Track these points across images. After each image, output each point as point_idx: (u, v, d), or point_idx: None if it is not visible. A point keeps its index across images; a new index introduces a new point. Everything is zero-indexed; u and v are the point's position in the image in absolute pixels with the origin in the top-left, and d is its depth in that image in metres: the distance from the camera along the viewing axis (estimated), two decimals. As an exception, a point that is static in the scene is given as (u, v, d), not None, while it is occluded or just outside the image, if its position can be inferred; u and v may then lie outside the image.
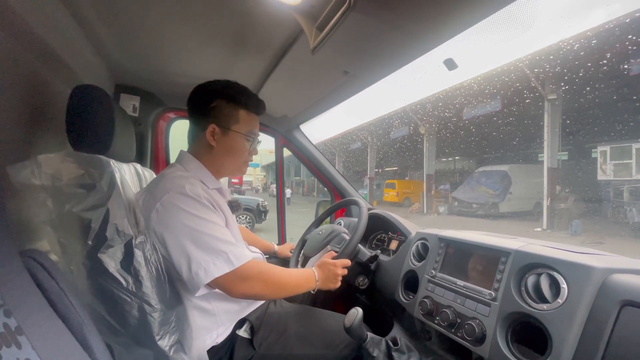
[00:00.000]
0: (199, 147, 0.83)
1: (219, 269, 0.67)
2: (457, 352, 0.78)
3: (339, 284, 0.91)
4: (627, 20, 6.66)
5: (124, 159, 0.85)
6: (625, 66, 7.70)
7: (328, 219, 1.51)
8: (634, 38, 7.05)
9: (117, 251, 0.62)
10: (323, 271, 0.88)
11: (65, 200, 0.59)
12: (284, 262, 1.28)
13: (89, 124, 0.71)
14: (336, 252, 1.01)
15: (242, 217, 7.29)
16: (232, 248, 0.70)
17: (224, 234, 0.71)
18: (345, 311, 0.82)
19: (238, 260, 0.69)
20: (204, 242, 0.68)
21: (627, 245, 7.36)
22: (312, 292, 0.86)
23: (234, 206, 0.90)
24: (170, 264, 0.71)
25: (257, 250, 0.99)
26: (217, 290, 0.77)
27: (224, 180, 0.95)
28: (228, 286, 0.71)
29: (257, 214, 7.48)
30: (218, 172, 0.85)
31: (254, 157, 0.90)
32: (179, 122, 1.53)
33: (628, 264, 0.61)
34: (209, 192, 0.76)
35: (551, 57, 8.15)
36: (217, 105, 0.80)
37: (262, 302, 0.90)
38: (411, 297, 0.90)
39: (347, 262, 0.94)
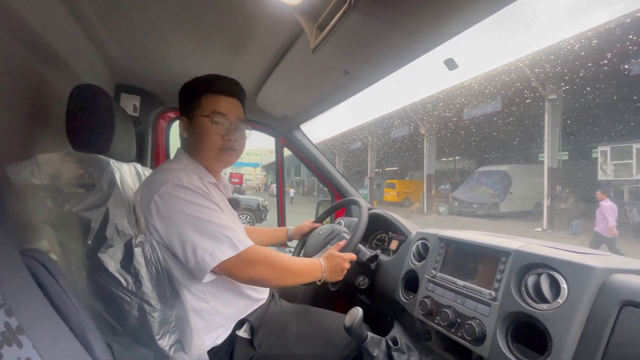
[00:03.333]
0: (183, 144, 0.86)
1: (224, 253, 0.68)
2: (457, 352, 0.78)
3: (342, 277, 0.92)
4: (627, 20, 6.65)
5: (124, 159, 0.85)
6: (626, 66, 7.69)
7: (328, 219, 1.51)
8: (635, 38, 7.04)
9: (117, 251, 0.62)
10: (330, 263, 0.88)
11: (65, 199, 0.59)
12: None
13: (89, 123, 0.72)
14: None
15: (243, 216, 7.30)
16: (234, 233, 0.70)
17: (224, 220, 0.71)
18: (345, 311, 0.81)
19: (242, 244, 0.70)
20: (206, 228, 0.68)
21: (627, 245, 7.36)
22: (318, 282, 0.86)
23: (233, 204, 0.90)
24: (171, 261, 0.71)
25: None
26: (216, 290, 0.77)
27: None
28: (234, 270, 0.71)
29: (257, 213, 7.50)
30: (206, 167, 0.84)
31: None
32: (179, 121, 1.53)
33: (628, 264, 0.61)
34: (205, 184, 0.77)
35: (552, 57, 8.14)
36: (183, 97, 0.84)
37: (261, 302, 0.90)
38: (411, 296, 0.90)
39: (354, 256, 0.95)
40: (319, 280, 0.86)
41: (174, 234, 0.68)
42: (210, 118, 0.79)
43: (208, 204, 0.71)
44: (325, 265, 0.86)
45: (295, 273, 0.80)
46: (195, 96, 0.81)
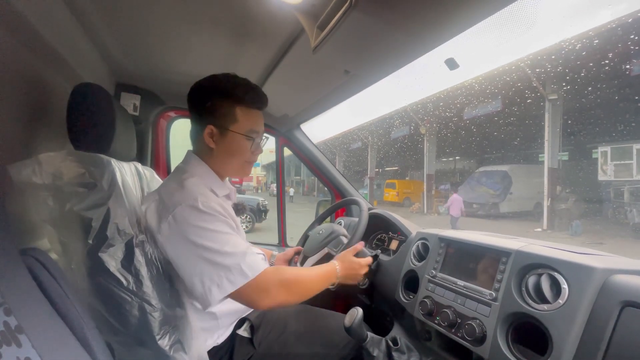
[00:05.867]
0: (201, 149, 0.80)
1: (232, 284, 0.65)
2: (457, 352, 0.78)
3: (356, 282, 0.90)
4: (629, 20, 6.64)
5: (125, 158, 0.85)
6: (627, 66, 7.69)
7: (329, 219, 1.51)
8: (637, 38, 7.03)
9: (117, 250, 0.62)
10: (345, 266, 0.86)
11: (66, 199, 0.59)
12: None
13: (90, 122, 0.71)
14: (333, 254, 1.00)
15: (243, 216, 7.30)
16: (246, 258, 0.67)
17: (237, 245, 0.68)
18: (345, 311, 0.81)
19: (252, 270, 0.66)
20: (216, 257, 0.65)
21: (628, 246, 7.35)
22: (331, 287, 0.84)
23: (239, 209, 0.88)
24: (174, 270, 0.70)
25: (260, 250, 0.99)
26: None
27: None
28: (249, 299, 0.68)
29: (257, 213, 7.50)
30: (221, 174, 0.82)
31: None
32: (179, 121, 1.53)
33: (629, 265, 0.61)
34: (220, 203, 0.73)
35: (553, 57, 8.13)
36: (213, 103, 0.76)
37: None
38: (411, 297, 0.90)
39: (370, 259, 0.93)
40: (333, 285, 0.84)
41: (183, 263, 0.66)
42: (250, 138, 0.78)
43: (221, 227, 0.68)
44: (340, 268, 0.84)
45: (313, 288, 0.77)
46: (228, 106, 0.76)
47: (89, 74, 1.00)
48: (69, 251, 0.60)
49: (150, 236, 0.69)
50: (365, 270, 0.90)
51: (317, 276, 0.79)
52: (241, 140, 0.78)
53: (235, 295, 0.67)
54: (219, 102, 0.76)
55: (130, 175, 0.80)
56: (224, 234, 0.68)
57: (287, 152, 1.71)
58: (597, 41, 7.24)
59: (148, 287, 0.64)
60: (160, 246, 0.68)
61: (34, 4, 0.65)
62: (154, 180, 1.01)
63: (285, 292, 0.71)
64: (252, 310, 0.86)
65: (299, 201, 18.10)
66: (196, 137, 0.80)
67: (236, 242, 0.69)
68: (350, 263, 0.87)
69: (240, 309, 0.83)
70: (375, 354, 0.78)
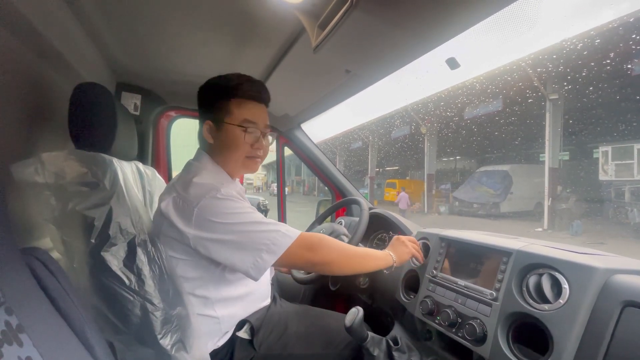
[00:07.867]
0: (205, 146, 0.82)
1: (280, 246, 0.68)
2: (457, 352, 0.78)
3: (408, 256, 0.89)
4: (631, 20, 6.61)
5: (126, 157, 0.85)
6: (629, 66, 7.67)
7: (329, 218, 1.51)
8: (638, 38, 7.01)
9: (120, 249, 0.62)
10: (393, 245, 0.88)
11: (69, 198, 0.59)
12: None
13: (91, 122, 0.72)
14: None
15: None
16: (281, 226, 0.70)
17: (267, 219, 0.71)
18: (345, 311, 0.81)
19: (292, 232, 0.70)
20: (256, 227, 0.68)
21: (629, 246, 7.35)
22: (385, 272, 0.86)
23: None
24: (178, 268, 0.71)
25: None
26: (221, 297, 0.77)
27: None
28: (296, 259, 0.71)
29: (257, 212, 7.48)
30: (229, 172, 0.82)
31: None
32: (180, 120, 1.53)
33: (630, 265, 0.61)
34: (238, 192, 0.76)
35: (554, 56, 8.12)
36: (211, 100, 0.79)
37: (264, 304, 0.89)
38: (412, 296, 0.90)
39: (412, 238, 0.93)
40: (387, 270, 0.85)
41: (223, 245, 0.67)
42: (243, 128, 0.76)
43: (249, 208, 0.71)
44: (394, 255, 0.85)
45: (359, 256, 0.79)
46: (223, 100, 0.77)
47: (90, 74, 1.00)
48: (71, 250, 0.60)
49: (168, 232, 0.69)
50: (411, 245, 0.89)
51: (362, 249, 0.82)
52: (235, 131, 0.77)
53: (285, 257, 0.68)
54: (216, 97, 0.78)
55: (131, 175, 0.80)
56: (253, 212, 0.70)
57: (287, 151, 1.71)
58: (598, 41, 7.22)
59: (150, 286, 0.64)
60: (190, 239, 0.67)
61: (35, 3, 0.65)
62: (156, 179, 1.01)
63: (332, 249, 0.75)
64: (253, 312, 0.85)
65: (299, 200, 18.10)
66: (200, 135, 0.82)
67: (265, 217, 0.71)
68: (399, 245, 0.88)
69: (241, 312, 0.82)
70: (375, 354, 0.78)
